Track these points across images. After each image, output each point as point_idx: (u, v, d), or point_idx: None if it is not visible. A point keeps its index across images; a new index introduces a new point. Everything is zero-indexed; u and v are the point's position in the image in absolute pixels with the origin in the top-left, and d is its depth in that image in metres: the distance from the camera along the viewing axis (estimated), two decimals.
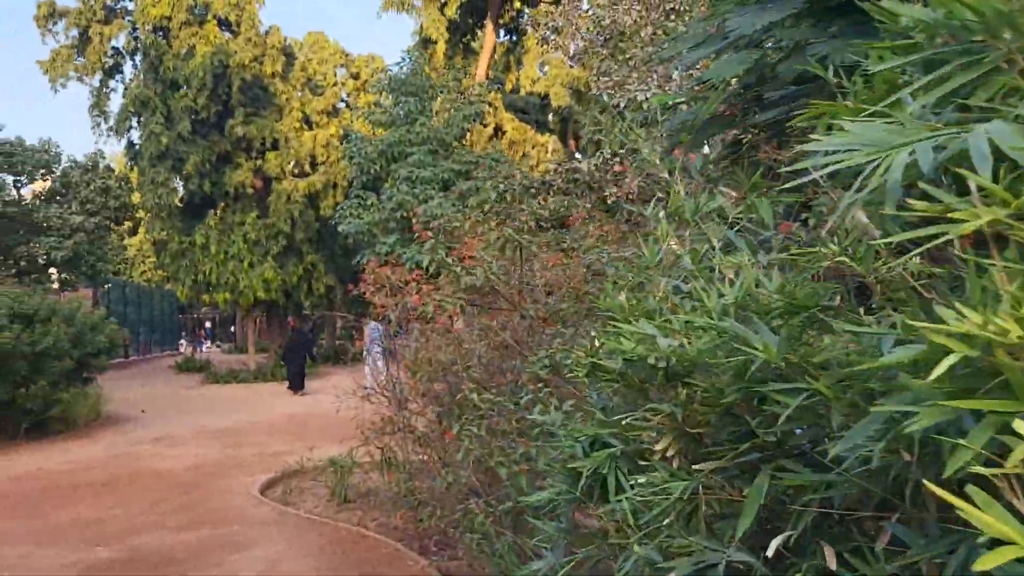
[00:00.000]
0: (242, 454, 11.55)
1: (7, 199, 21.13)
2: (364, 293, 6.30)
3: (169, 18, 24.68)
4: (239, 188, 24.95)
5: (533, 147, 26.62)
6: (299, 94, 26.36)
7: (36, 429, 13.98)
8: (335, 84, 33.67)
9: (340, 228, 19.93)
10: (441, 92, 20.73)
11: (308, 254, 26.08)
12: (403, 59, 20.87)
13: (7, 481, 10.48)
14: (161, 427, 15.39)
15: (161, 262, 24.96)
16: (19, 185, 23.42)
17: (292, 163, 25.15)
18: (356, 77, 36.21)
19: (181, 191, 23.99)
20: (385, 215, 18.73)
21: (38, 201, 23.53)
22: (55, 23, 25.22)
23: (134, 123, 24.62)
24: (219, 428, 14.86)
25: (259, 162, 25.25)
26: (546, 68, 28.19)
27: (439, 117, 20.38)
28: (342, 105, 32.01)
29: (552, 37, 11.82)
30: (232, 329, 56.43)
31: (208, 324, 67.09)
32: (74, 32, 25.48)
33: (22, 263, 22.17)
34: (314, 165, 25.96)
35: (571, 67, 24.41)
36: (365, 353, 23.53)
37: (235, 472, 10.17)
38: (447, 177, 18.98)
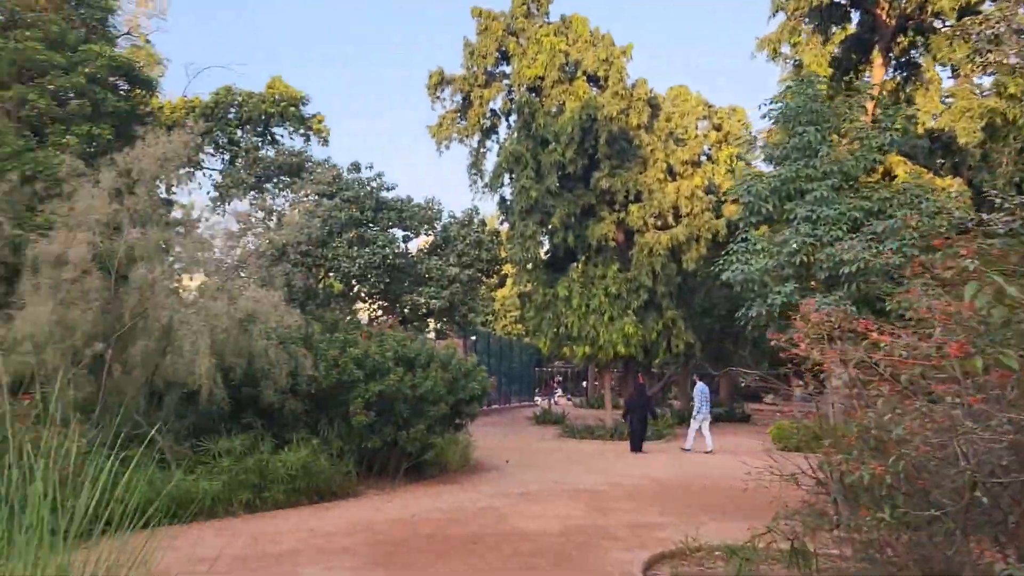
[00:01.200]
0: (610, 523, 10.90)
1: (397, 251, 23.29)
2: (788, 345, 5.10)
3: (542, 78, 26.00)
4: (602, 241, 25.22)
5: (930, 192, 23.47)
6: (663, 145, 26.03)
7: (413, 471, 14.66)
8: (696, 136, 33.14)
9: (724, 276, 18.93)
10: (844, 121, 18.98)
11: (668, 309, 25.50)
12: (790, 86, 19.47)
13: (384, 523, 10.85)
14: (524, 480, 15.40)
15: (524, 314, 25.93)
16: (407, 239, 25.93)
17: (654, 215, 24.76)
18: (718, 128, 35.43)
19: (546, 244, 24.71)
20: (780, 260, 17.31)
21: (422, 254, 25.76)
22: (443, 90, 27.91)
23: (506, 179, 26.15)
24: (580, 487, 14.47)
25: (622, 214, 25.37)
26: (950, 100, 24.92)
27: (842, 149, 18.60)
28: (703, 158, 31.31)
29: (987, 49, 9.82)
30: (584, 383, 58.08)
31: (559, 377, 69.98)
32: (458, 97, 27.99)
33: (406, 311, 24.30)
34: (677, 217, 25.47)
35: (984, 96, 21.21)
36: (694, 415, 22.28)
37: (606, 544, 9.52)
38: (857, 216, 17.08)
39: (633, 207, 25.29)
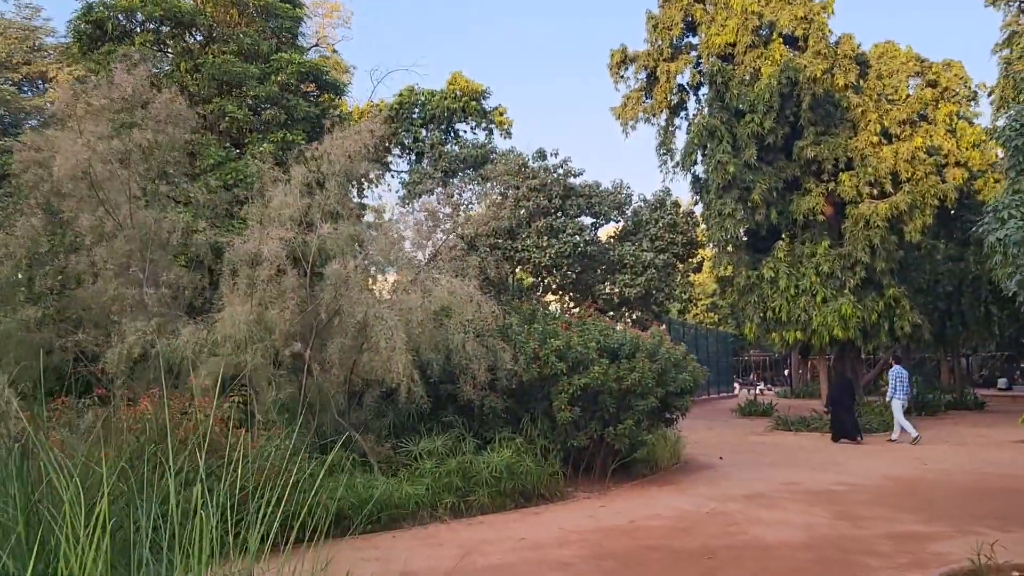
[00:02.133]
0: (863, 533, 9.24)
1: (588, 239, 22.19)
2: None
3: (733, 44, 24.06)
4: (808, 215, 22.96)
5: None
6: (874, 105, 23.30)
7: (620, 470, 13.53)
8: (907, 95, 29.72)
9: (990, 238, 16.18)
10: None
11: (889, 287, 22.81)
12: None
13: (600, 531, 9.70)
14: (745, 480, 13.78)
15: (726, 299, 24.02)
16: (597, 226, 24.77)
17: (869, 183, 22.17)
18: (933, 85, 31.65)
19: (747, 223, 22.71)
20: None
21: (613, 240, 24.51)
22: (626, 69, 26.51)
23: (699, 157, 24.37)
24: (812, 488, 12.70)
25: (830, 185, 22.95)
26: None
27: None
28: (918, 119, 27.97)
29: None
30: (787, 372, 54.54)
31: (756, 367, 66.35)
32: (642, 75, 26.49)
33: (600, 300, 23.14)
34: (896, 184, 22.66)
35: None
36: (889, 398, 20.16)
37: (871, 562, 7.96)
38: None
39: (844, 176, 22.77)
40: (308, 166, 12.23)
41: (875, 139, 23.01)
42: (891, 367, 21.17)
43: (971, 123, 29.54)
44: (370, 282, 11.86)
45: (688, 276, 26.45)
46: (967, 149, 27.45)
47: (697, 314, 59.70)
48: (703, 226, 25.59)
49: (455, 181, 24.28)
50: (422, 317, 10.73)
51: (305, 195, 11.90)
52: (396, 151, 31.32)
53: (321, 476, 10.01)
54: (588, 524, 10.12)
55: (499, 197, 22.59)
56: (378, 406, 12.36)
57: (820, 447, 19.00)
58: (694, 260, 27.07)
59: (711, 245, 24.52)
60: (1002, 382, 47.03)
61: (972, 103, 31.54)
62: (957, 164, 26.58)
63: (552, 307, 23.59)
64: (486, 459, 11.21)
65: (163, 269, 12.23)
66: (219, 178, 16.34)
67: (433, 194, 23.82)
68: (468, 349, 11.04)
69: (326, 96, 23.62)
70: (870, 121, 23.28)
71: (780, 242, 23.72)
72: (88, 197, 11.73)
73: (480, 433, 12.44)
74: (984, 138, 28.57)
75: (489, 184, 22.92)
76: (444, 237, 23.18)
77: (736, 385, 52.57)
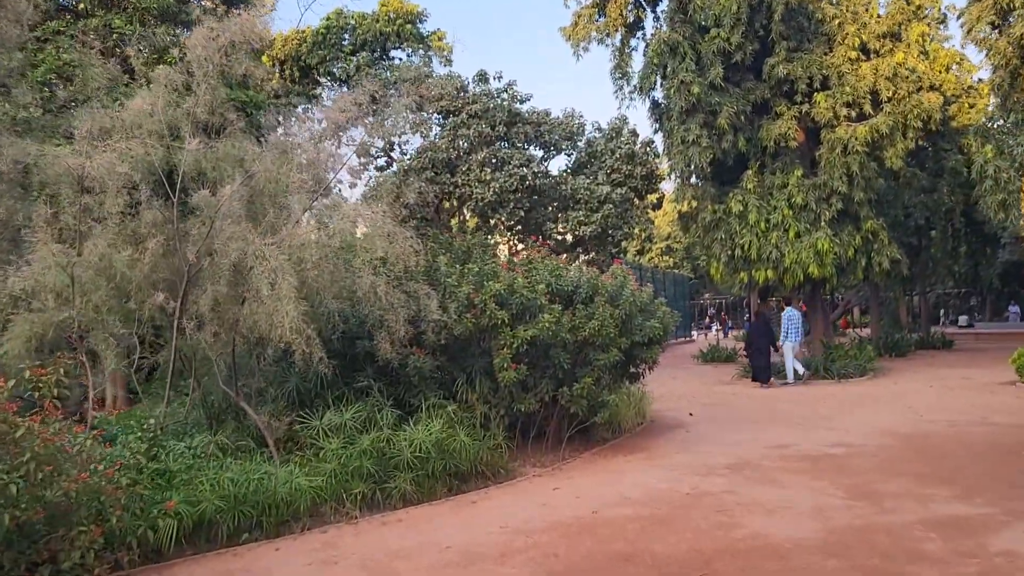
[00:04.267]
0: (895, 522, 7.16)
1: (537, 171, 19.68)
2: None
3: None
4: (780, 141, 20.76)
5: None
6: (851, 17, 21.01)
7: (578, 435, 11.29)
8: (878, 14, 27.45)
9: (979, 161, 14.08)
10: None
11: (867, 219, 20.78)
12: None
13: (553, 531, 7.40)
14: (726, 443, 11.67)
15: (692, 236, 21.79)
16: (547, 159, 22.24)
17: (847, 104, 19.98)
18: (907, 1, 29.45)
19: (712, 151, 20.36)
20: None
21: (565, 174, 22.03)
22: None
23: (658, 79, 21.88)
24: (808, 452, 10.65)
25: (804, 107, 20.73)
26: None
27: None
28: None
29: None
30: (747, 316, 52.85)
31: (712, 310, 64.93)
32: None
33: (552, 242, 20.75)
34: (876, 104, 20.45)
35: None
36: (781, 342, 19.24)
37: (926, 572, 5.61)
38: None
39: (819, 96, 20.50)
40: (176, 67, 9.50)
41: (853, 55, 20.74)
42: (783, 311, 20.70)
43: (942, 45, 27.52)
44: (261, 216, 9.21)
45: (647, 213, 24.16)
46: (941, 72, 25.44)
47: (652, 257, 57.75)
48: (664, 158, 23.25)
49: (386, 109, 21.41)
50: (319, 256, 8.19)
51: (174, 105, 9.20)
52: (326, 81, 28.30)
53: (181, 467, 7.64)
54: (539, 517, 7.82)
55: (434, 123, 19.97)
56: (277, 371, 9.88)
57: (798, 398, 17.05)
58: (653, 196, 24.74)
59: (673, 176, 22.18)
60: (963, 319, 46.18)
61: (941, 26, 29.44)
62: (931, 88, 24.52)
63: (500, 250, 21.04)
64: (409, 434, 8.82)
65: None
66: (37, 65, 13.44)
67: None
68: (380, 295, 8.55)
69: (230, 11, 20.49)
70: (848, 35, 20.97)
71: (748, 172, 21.51)
72: None
73: (405, 400, 10.06)
74: (959, 60, 26.64)
75: (424, 111, 20.15)
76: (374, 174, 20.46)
77: (695, 330, 51.00)
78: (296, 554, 6.84)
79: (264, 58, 26.83)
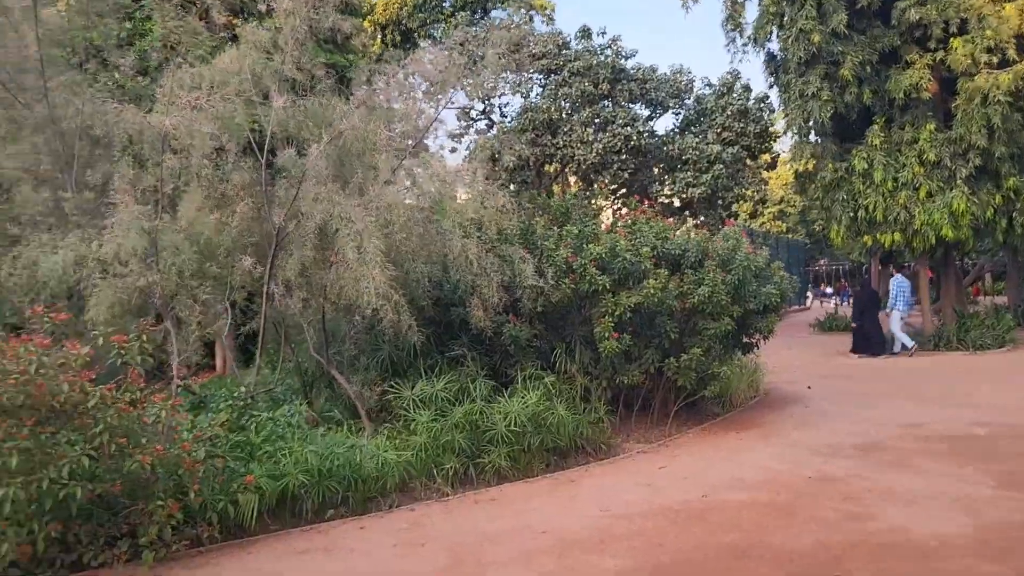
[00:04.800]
0: None
1: (642, 131, 18.72)
2: None
3: None
4: (910, 93, 19.01)
5: None
6: None
7: (686, 409, 10.49)
8: None
9: None
10: None
11: (1009, 176, 18.81)
12: None
13: (659, 516, 6.79)
14: (850, 420, 10.69)
15: (812, 196, 20.33)
16: (653, 118, 21.20)
17: (988, 49, 18.07)
18: None
19: (834, 105, 18.86)
20: None
21: (673, 133, 20.95)
22: None
23: (775, 29, 20.36)
24: (945, 433, 9.63)
25: (938, 55, 18.90)
26: None
27: None
28: None
29: None
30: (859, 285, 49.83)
31: (828, 278, 61.96)
32: None
33: (658, 204, 19.80)
34: (1021, 50, 18.39)
35: None
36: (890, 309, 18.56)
37: None
38: None
39: (955, 42, 18.61)
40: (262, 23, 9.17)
41: None
42: (892, 276, 19.47)
43: None
44: (349, 176, 8.80)
45: (760, 174, 22.76)
46: None
47: (763, 222, 55.40)
48: (779, 114, 21.81)
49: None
50: (406, 218, 7.70)
51: (262, 63, 8.87)
52: (426, 45, 27.93)
53: (271, 436, 7.36)
54: (643, 499, 7.19)
55: (535, 83, 19.24)
56: (368, 339, 9.53)
57: (927, 368, 15.72)
58: (767, 156, 23.29)
59: (789, 134, 20.75)
60: None
61: None
62: None
63: (603, 214, 20.22)
64: (503, 407, 8.31)
65: (92, 168, 9.42)
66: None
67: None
68: (472, 259, 8.02)
69: None
70: None
71: (874, 127, 19.83)
72: None
73: (501, 370, 9.56)
74: None
75: (524, 70, 19.46)
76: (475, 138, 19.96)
77: (808, 296, 48.63)
78: (381, 533, 6.45)
79: (365, 22, 26.69)
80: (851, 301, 42.76)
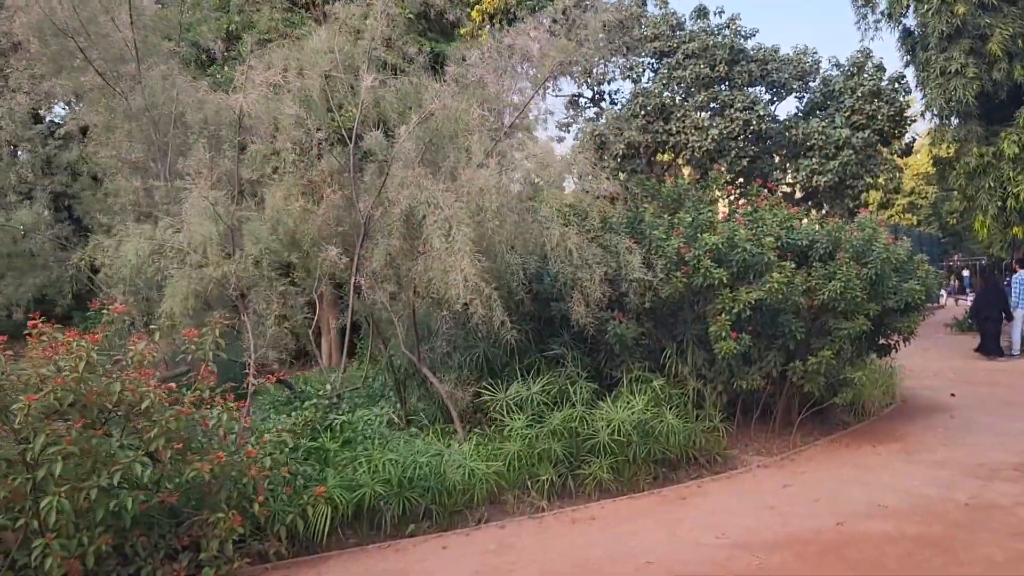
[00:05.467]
0: None
1: (762, 115, 17.40)
2: None
3: None
4: None
5: None
6: None
7: (811, 418, 9.35)
8: None
9: None
10: None
11: None
12: None
13: (784, 547, 5.76)
14: (1004, 434, 9.44)
15: (955, 183, 18.46)
16: (774, 101, 19.74)
17: None
18: None
19: (979, 83, 17.03)
20: None
21: (797, 117, 19.46)
22: None
23: (911, 3, 18.60)
24: None
25: None
26: None
27: None
28: None
29: None
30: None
31: (966, 273, 57.77)
32: None
33: (779, 194, 18.38)
34: None
35: None
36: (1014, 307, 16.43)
37: None
38: None
39: None
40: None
41: None
42: (1015, 272, 17.13)
43: None
44: (441, 160, 8.16)
45: (893, 160, 20.90)
46: None
47: (892, 214, 52.04)
48: (916, 96, 19.98)
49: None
50: (499, 203, 6.98)
51: (351, 43, 8.34)
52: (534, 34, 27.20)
53: (331, 449, 6.75)
54: (766, 525, 6.24)
55: (647, 68, 18.17)
56: (463, 335, 8.88)
57: None
58: (901, 141, 21.41)
59: (928, 115, 18.96)
60: None
61: None
62: None
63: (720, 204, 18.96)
64: (606, 412, 7.50)
65: (185, 157, 9.16)
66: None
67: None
68: (572, 249, 7.23)
69: None
70: None
71: None
72: (70, 58, 8.72)
73: (605, 372, 8.74)
74: None
75: (634, 53, 18.43)
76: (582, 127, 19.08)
77: (943, 294, 45.25)
78: (465, 555, 5.76)
79: (474, 13, 26.22)
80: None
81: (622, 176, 18.21)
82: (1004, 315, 16.59)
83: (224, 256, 6.69)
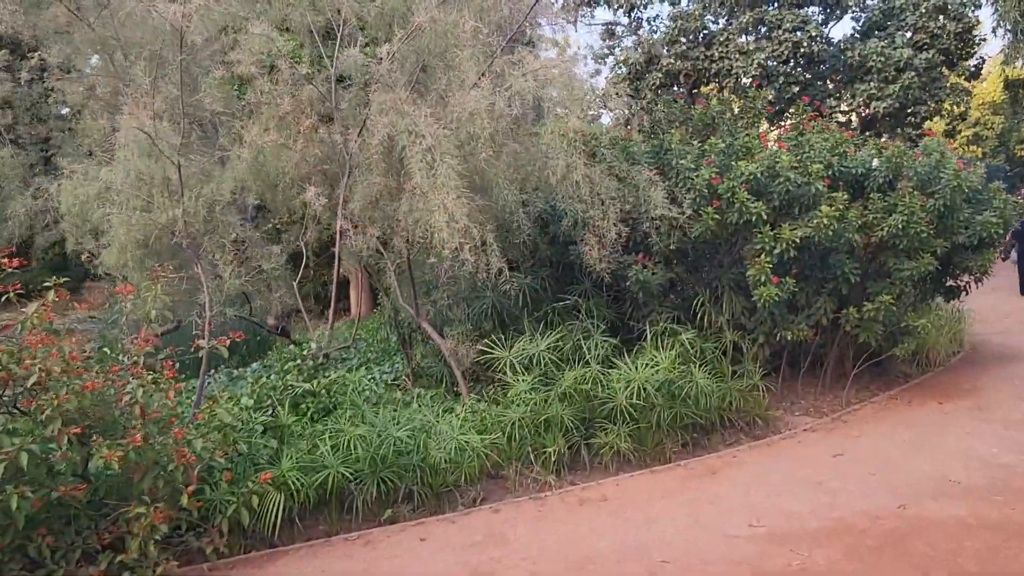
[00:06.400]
0: None
1: (814, 35, 15.74)
2: None
3: None
4: None
5: None
6: None
7: (868, 370, 8.17)
8: None
9: None
10: None
11: None
12: None
13: (833, 538, 4.74)
14: None
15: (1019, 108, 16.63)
16: (828, 21, 17.96)
17: None
18: None
19: None
20: None
21: (853, 38, 17.67)
22: None
23: None
24: None
25: None
26: None
27: None
28: None
29: None
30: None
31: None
32: None
33: (835, 121, 16.77)
34: None
35: None
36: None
37: None
38: None
39: None
40: None
41: None
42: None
43: None
44: (431, 82, 7.01)
45: (960, 84, 18.98)
46: None
47: (957, 148, 49.07)
48: (988, 8, 17.98)
49: None
50: (492, 128, 5.86)
51: None
52: None
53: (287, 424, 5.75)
54: (811, 509, 5.15)
55: None
56: (467, 285, 7.85)
57: None
58: (969, 63, 19.43)
59: (1000, 32, 17.05)
60: None
61: None
62: None
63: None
64: (624, 373, 6.43)
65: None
66: None
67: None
68: (579, 182, 6.09)
69: None
70: None
71: None
72: None
73: (631, 324, 7.65)
74: None
75: None
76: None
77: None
78: (444, 548, 4.81)
79: None
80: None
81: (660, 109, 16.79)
82: None
83: (172, 200, 5.73)
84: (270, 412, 5.56)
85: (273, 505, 4.72)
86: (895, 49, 16.66)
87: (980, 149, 49.31)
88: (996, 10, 16.69)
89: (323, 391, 6.12)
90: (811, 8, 17.77)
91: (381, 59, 6.49)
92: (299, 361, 6.85)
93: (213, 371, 9.47)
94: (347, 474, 5.03)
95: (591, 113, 10.59)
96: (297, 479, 4.86)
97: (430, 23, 6.52)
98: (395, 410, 6.13)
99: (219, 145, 6.85)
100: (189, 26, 5.44)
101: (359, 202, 6.45)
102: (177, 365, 5.03)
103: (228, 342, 5.12)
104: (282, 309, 8.92)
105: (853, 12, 18.46)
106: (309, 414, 5.80)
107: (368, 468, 5.17)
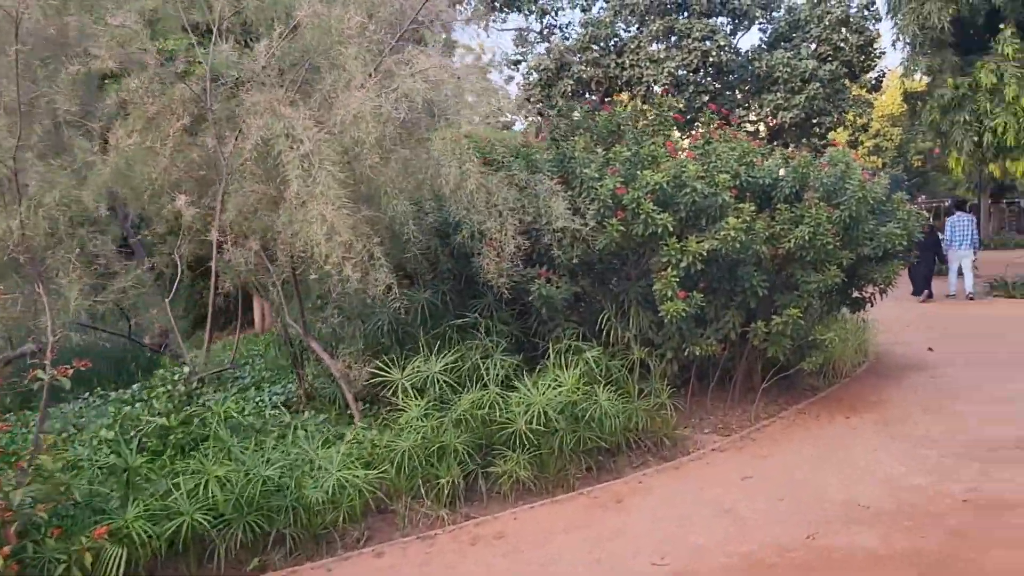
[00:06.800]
0: None
1: (723, 45, 15.76)
2: None
3: None
4: None
5: None
6: None
7: (776, 384, 7.99)
8: None
9: None
10: None
11: None
12: None
13: (740, 572, 4.19)
14: (996, 398, 8.13)
15: (930, 115, 16.98)
16: (736, 32, 18.09)
17: None
18: None
19: (955, 7, 15.51)
20: None
21: (760, 48, 17.83)
22: None
23: None
24: None
25: None
26: None
27: None
28: None
29: None
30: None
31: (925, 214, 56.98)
32: None
33: (742, 130, 16.85)
34: None
35: None
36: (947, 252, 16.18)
37: None
38: None
39: None
40: None
41: None
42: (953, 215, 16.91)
43: None
44: (315, 84, 6.44)
45: (862, 95, 19.39)
46: None
47: (859, 158, 50.78)
48: (887, 21, 18.36)
49: None
50: (379, 133, 5.35)
51: None
52: None
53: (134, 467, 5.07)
54: (718, 541, 4.81)
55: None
56: (358, 300, 7.30)
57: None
58: (871, 75, 19.90)
59: (899, 45, 17.42)
60: None
61: None
62: None
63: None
64: (523, 397, 6.00)
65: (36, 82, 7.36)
66: None
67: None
68: (473, 190, 5.64)
69: None
70: None
71: (1005, 33, 16.36)
72: None
73: (527, 341, 7.25)
74: None
75: None
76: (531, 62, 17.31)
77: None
78: None
79: None
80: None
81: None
82: (937, 257, 16.20)
83: (6, 210, 5.03)
84: (118, 451, 4.90)
85: (112, 561, 4.09)
86: (800, 60, 16.86)
87: (880, 159, 51.21)
88: (895, 23, 17.03)
89: (188, 422, 5.48)
90: (720, 18, 17.86)
91: (257, 57, 5.93)
92: (169, 387, 6.19)
93: (87, 395, 8.69)
94: (204, 521, 4.43)
95: (502, 120, 10.20)
96: (144, 529, 4.24)
97: (312, 17, 5.98)
98: (276, 440, 5.56)
99: (80, 149, 6.14)
100: (26, 12, 4.78)
101: (233, 211, 5.85)
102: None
103: (71, 371, 4.46)
104: (161, 327, 8.21)
105: (760, 23, 18.65)
106: (171, 449, 5.17)
107: (233, 511, 4.59)
